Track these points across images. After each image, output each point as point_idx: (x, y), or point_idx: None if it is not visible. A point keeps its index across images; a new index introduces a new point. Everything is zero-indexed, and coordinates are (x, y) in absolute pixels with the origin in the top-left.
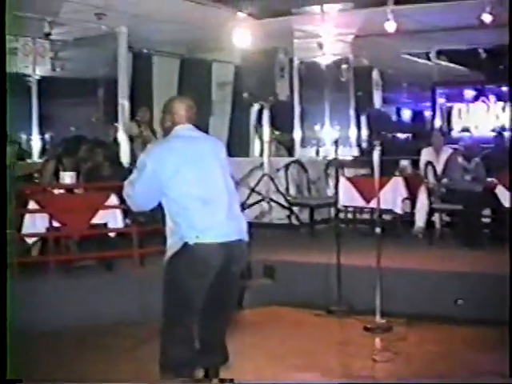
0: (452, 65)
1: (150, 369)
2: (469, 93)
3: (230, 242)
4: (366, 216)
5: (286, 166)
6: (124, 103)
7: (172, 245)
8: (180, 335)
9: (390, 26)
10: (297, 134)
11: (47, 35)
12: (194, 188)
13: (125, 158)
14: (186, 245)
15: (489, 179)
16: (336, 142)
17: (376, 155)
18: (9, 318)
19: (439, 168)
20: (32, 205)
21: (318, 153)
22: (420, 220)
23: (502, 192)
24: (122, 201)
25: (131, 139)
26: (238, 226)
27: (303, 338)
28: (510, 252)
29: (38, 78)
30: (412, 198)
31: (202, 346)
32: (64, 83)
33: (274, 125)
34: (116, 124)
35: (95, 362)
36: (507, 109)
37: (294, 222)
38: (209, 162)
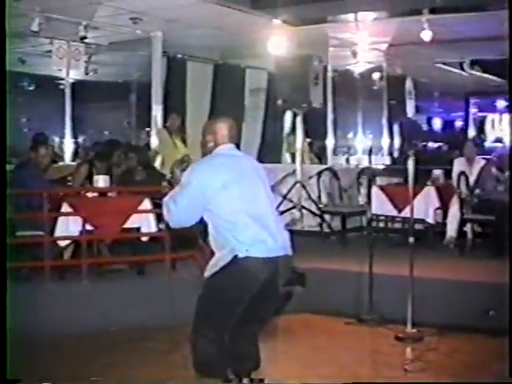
0: (485, 75)
1: (184, 372)
2: (502, 103)
3: (277, 257)
4: (397, 225)
5: (319, 174)
6: (157, 108)
7: (221, 258)
8: (214, 339)
9: (426, 35)
10: (329, 142)
11: (82, 39)
12: (241, 204)
13: (157, 163)
14: (235, 258)
15: None
16: (370, 151)
17: (410, 164)
18: (41, 320)
19: (472, 178)
20: (65, 208)
21: (348, 161)
22: (452, 230)
23: None
24: (155, 205)
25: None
26: (284, 242)
27: (334, 346)
28: (509, 260)
29: (71, 81)
30: (444, 208)
31: (234, 352)
32: (97, 87)
33: (306, 132)
34: (148, 129)
35: (129, 365)
36: None
37: (326, 229)
38: (253, 180)
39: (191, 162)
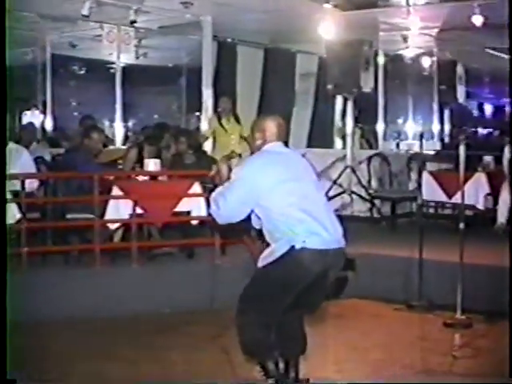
0: None
1: (234, 356)
2: None
3: (331, 249)
4: (447, 211)
5: (369, 159)
6: (207, 93)
7: (277, 248)
8: (263, 324)
9: (477, 20)
10: (380, 127)
11: (132, 23)
12: (293, 199)
13: (208, 147)
14: (292, 248)
15: None
16: (421, 136)
17: (462, 150)
18: (90, 303)
19: None
20: (116, 191)
21: (398, 146)
22: (502, 216)
23: None
24: (206, 189)
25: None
26: (337, 235)
27: (383, 331)
28: (509, 248)
29: (122, 65)
30: (494, 195)
31: (281, 336)
32: (147, 71)
33: (356, 117)
34: (198, 113)
35: (179, 349)
36: None
37: (376, 215)
38: (303, 175)
39: (238, 158)
